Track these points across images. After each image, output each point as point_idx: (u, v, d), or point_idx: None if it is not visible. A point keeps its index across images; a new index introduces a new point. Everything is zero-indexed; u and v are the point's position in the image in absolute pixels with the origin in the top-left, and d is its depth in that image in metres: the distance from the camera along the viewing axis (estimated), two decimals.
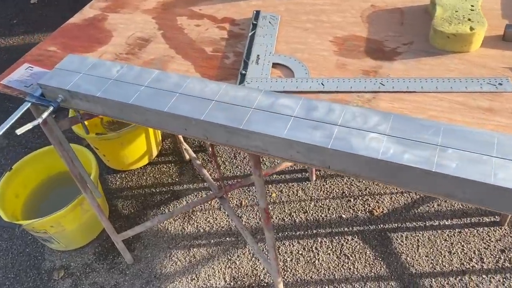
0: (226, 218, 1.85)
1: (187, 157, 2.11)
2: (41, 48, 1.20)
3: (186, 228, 1.84)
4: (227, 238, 1.79)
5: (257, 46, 1.08)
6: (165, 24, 1.23)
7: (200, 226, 1.84)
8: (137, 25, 1.23)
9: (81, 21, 1.29)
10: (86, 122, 1.20)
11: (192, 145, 2.17)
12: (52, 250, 1.84)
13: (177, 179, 2.04)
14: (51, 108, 0.98)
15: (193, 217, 1.87)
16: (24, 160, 1.81)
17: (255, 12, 1.19)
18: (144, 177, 2.07)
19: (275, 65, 1.03)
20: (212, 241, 1.78)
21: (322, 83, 0.96)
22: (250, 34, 1.12)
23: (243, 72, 1.01)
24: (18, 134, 0.93)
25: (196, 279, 1.68)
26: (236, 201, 1.91)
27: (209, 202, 1.92)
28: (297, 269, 1.65)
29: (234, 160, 2.08)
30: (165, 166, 2.11)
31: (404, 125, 0.79)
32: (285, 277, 1.63)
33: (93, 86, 0.96)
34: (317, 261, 1.67)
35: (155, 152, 2.13)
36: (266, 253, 1.69)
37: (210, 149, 1.97)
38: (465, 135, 0.76)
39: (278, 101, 0.87)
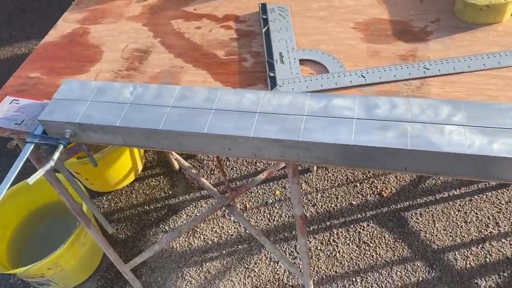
0: (233, 225, 1.75)
1: (177, 166, 1.97)
2: (21, 76, 1.04)
3: (193, 243, 1.72)
4: (239, 246, 1.69)
5: (275, 43, 0.98)
6: (161, 30, 1.09)
7: (208, 238, 1.73)
8: (128, 35, 1.09)
9: (59, 38, 1.13)
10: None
11: (179, 153, 2.04)
12: None
13: (170, 192, 1.91)
14: (61, 147, 0.83)
15: (198, 230, 1.76)
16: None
17: (260, 5, 1.09)
18: (134, 195, 1.92)
19: (302, 61, 0.94)
20: (224, 251, 1.68)
21: (362, 75, 0.88)
22: (264, 30, 1.02)
23: (271, 74, 0.91)
24: (30, 184, 0.79)
25: None
26: (240, 205, 1.81)
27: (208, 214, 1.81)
28: (319, 266, 1.59)
29: (228, 163, 1.97)
30: (154, 180, 1.96)
31: (479, 112, 0.72)
32: (300, 271, 1.57)
33: (109, 115, 0.83)
34: (337, 253, 1.62)
35: (140, 167, 1.98)
36: (288, 256, 1.62)
37: (216, 157, 1.87)
38: None
39: (332, 102, 0.78)
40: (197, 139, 0.79)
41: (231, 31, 1.05)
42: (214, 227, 1.76)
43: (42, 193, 1.67)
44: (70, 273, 1.58)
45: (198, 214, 1.81)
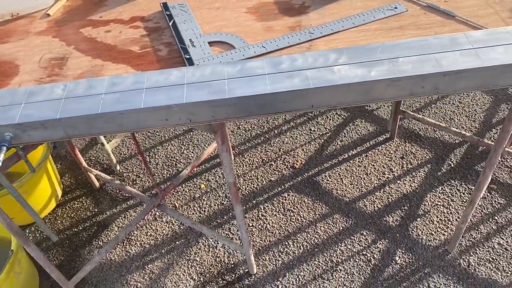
0: (166, 225, 1.83)
1: (97, 184, 1.99)
2: None
3: (131, 250, 1.76)
4: (177, 242, 1.77)
5: (184, 32, 1.12)
6: (72, 39, 1.17)
7: (145, 243, 1.78)
8: (41, 48, 1.15)
9: None
10: None
11: (96, 168, 2.05)
12: None
13: (96, 210, 1.92)
14: (4, 149, 0.87)
15: (133, 238, 1.80)
16: None
17: (162, 4, 1.22)
18: (59, 221, 1.89)
19: (211, 43, 1.09)
20: (163, 251, 1.75)
21: (263, 46, 1.06)
22: (171, 23, 1.15)
23: (187, 56, 1.04)
24: None
25: None
26: (170, 206, 1.89)
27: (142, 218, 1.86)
28: (254, 239, 1.74)
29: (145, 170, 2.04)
30: (76, 202, 1.95)
31: (356, 54, 0.94)
32: (240, 245, 1.70)
33: (47, 111, 0.89)
34: (268, 225, 1.78)
35: (60, 192, 1.96)
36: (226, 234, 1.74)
37: (141, 158, 1.93)
38: (405, 46, 0.94)
39: (245, 66, 0.94)
40: (135, 116, 0.90)
41: (140, 29, 1.17)
42: (148, 231, 1.81)
43: None
44: None
45: (128, 223, 1.84)
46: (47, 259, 1.36)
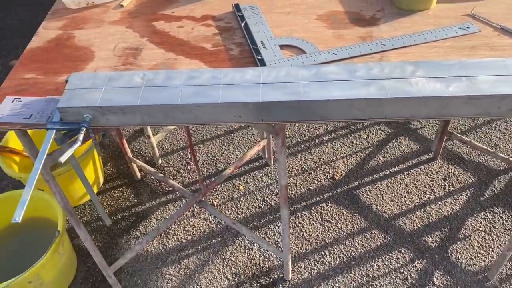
0: (204, 222, 1.84)
1: (139, 175, 2.02)
2: (17, 78, 1.08)
3: (168, 244, 1.78)
4: (213, 240, 1.78)
5: (255, 34, 1.14)
6: (146, 31, 1.20)
7: (181, 238, 1.80)
8: (115, 37, 1.19)
9: (45, 44, 1.18)
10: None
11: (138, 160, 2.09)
12: None
13: (135, 200, 1.95)
14: (84, 129, 0.91)
15: (170, 232, 1.82)
16: None
17: (234, 5, 1.24)
18: (99, 208, 1.92)
19: (282, 46, 1.11)
20: (199, 247, 1.76)
21: (334, 53, 1.07)
22: (243, 24, 1.17)
23: (259, 57, 1.06)
24: (63, 161, 0.85)
25: (198, 287, 1.65)
26: (209, 204, 1.91)
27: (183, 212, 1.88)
28: (290, 246, 1.74)
29: (188, 167, 2.06)
30: (117, 191, 1.99)
31: (433, 68, 0.94)
32: (280, 250, 1.71)
33: (127, 96, 0.92)
34: (305, 233, 1.78)
35: (102, 180, 2.00)
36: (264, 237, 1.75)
37: (191, 151, 1.96)
38: (482, 65, 0.94)
39: (321, 70, 0.95)
40: (212, 110, 0.92)
41: (212, 28, 1.20)
42: (185, 227, 1.84)
43: (8, 212, 1.64)
44: (49, 286, 1.55)
45: (167, 217, 1.87)
46: (94, 244, 1.39)
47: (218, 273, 1.68)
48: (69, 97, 0.93)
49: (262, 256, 1.72)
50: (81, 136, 0.89)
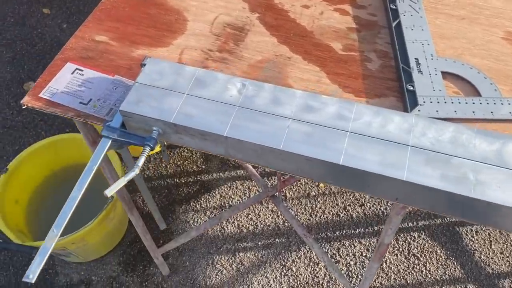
0: (270, 215, 1.61)
1: None
2: (85, 38, 0.83)
3: (226, 228, 1.59)
4: (277, 239, 1.56)
5: (410, 44, 0.79)
6: (258, 3, 0.89)
7: (243, 226, 1.59)
8: (218, 4, 0.89)
9: None
10: None
11: None
12: (66, 261, 1.53)
13: (203, 167, 1.75)
14: (147, 150, 0.66)
15: (232, 216, 1.61)
16: (20, 158, 1.43)
17: None
18: (163, 164, 1.75)
19: (444, 74, 0.76)
20: (259, 243, 1.55)
21: None
22: (394, 24, 0.82)
23: (410, 88, 0.73)
24: (109, 196, 0.61)
25: None
26: (281, 196, 1.66)
27: (248, 195, 1.66)
28: (363, 274, 1.47)
29: None
30: (186, 150, 1.79)
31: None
32: (351, 284, 1.45)
33: (213, 117, 0.65)
34: (384, 263, 1.50)
35: None
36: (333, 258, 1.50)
37: None
38: None
39: (508, 147, 0.61)
40: (330, 169, 0.62)
41: (348, 18, 0.86)
42: (249, 214, 1.62)
43: (69, 153, 1.50)
44: (93, 247, 1.44)
45: (232, 195, 1.66)
46: (146, 229, 1.21)
47: (274, 281, 1.47)
48: (138, 97, 0.67)
49: (327, 277, 1.48)
50: (140, 162, 0.64)
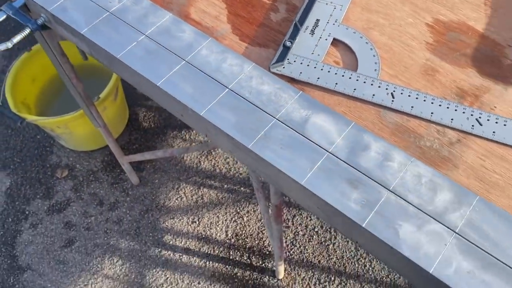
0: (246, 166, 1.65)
1: None
2: None
3: (202, 163, 1.66)
4: (242, 188, 1.60)
5: (319, 4, 0.75)
6: None
7: (217, 166, 1.65)
8: None
9: None
10: None
11: None
12: (61, 145, 1.73)
13: None
14: (26, 31, 0.73)
15: (213, 153, 1.68)
16: None
17: None
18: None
19: (335, 42, 0.72)
20: (225, 186, 1.61)
21: (392, 94, 0.66)
22: None
23: (288, 44, 0.71)
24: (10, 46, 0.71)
25: (197, 222, 1.54)
26: None
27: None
28: (306, 247, 1.47)
29: None
30: None
31: (493, 224, 0.50)
32: (291, 252, 1.46)
33: (82, 16, 0.70)
34: (331, 245, 1.47)
35: None
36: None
37: None
38: None
39: (314, 118, 0.58)
40: (151, 88, 0.65)
41: None
42: (228, 158, 1.67)
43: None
44: (79, 139, 1.60)
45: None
46: (108, 131, 1.32)
47: (223, 222, 1.53)
48: None
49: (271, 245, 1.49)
50: (16, 39, 0.73)
